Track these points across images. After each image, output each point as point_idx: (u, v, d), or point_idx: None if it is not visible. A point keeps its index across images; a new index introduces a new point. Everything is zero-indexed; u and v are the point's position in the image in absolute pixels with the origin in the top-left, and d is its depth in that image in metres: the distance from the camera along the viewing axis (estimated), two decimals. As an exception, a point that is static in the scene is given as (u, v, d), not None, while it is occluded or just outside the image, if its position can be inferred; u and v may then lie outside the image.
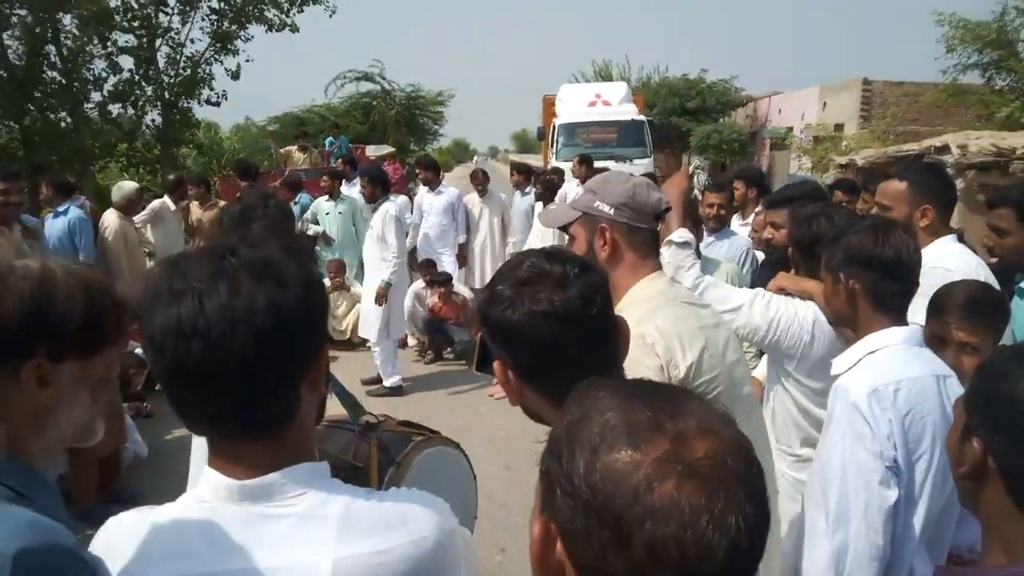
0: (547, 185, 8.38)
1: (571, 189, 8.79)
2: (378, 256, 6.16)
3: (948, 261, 2.47)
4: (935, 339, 2.00)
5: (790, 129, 22.21)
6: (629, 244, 1.81)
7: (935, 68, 31.20)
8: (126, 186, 7.06)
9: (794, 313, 2.32)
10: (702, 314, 1.82)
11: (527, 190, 8.61)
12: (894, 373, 1.72)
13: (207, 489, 0.96)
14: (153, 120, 16.32)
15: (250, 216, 2.06)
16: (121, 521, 1.00)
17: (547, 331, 1.14)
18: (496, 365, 1.23)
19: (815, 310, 2.32)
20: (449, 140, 36.67)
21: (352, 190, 8.18)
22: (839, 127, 19.61)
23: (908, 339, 1.81)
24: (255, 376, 0.90)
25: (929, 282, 2.05)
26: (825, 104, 21.35)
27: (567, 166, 11.88)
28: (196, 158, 20.78)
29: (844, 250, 1.85)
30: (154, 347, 0.91)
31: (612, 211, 1.79)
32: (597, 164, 9.16)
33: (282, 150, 13.53)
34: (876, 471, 1.67)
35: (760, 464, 0.69)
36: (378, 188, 6.11)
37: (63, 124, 14.84)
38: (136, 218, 6.94)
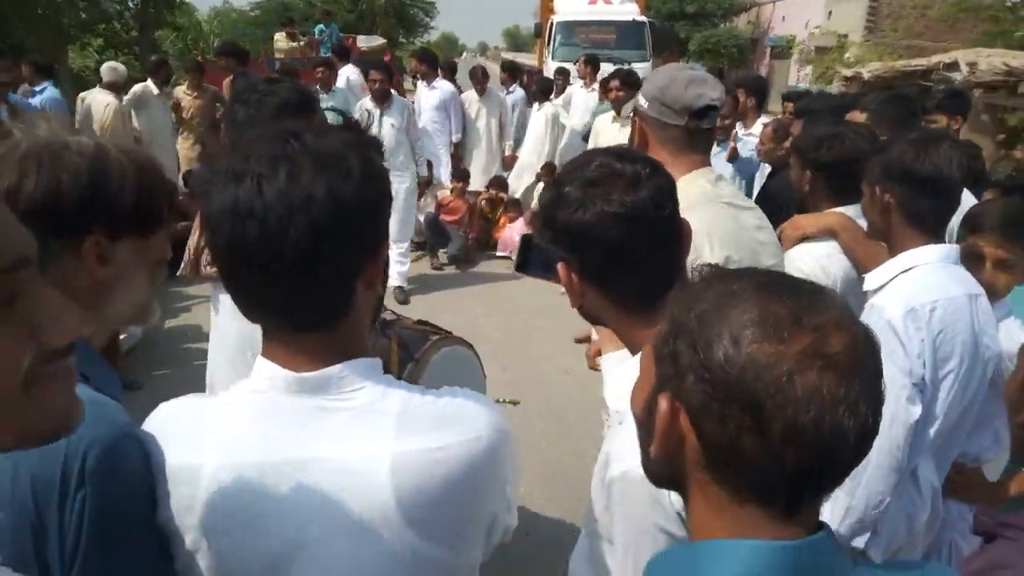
0: (542, 85, 8.21)
1: (576, 91, 8.56)
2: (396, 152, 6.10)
3: None
4: (969, 256, 1.99)
5: (793, 38, 21.60)
6: (659, 140, 1.79)
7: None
8: (120, 67, 6.80)
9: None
10: (742, 216, 1.80)
11: (511, 88, 8.47)
12: (931, 293, 1.71)
13: (262, 379, 0.94)
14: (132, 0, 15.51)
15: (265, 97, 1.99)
16: (174, 407, 0.99)
17: (618, 232, 1.12)
18: (560, 268, 1.21)
19: (825, 254, 2.18)
20: (438, 34, 35.26)
21: (341, 81, 7.92)
22: (843, 37, 19.08)
23: (944, 257, 1.78)
24: (310, 267, 0.87)
25: None
26: (831, 13, 20.69)
27: (568, 66, 11.56)
28: (174, 41, 19.90)
29: (882, 162, 1.81)
30: (211, 226, 0.88)
31: (646, 104, 1.78)
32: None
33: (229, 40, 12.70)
34: (904, 388, 1.68)
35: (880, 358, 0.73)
36: (389, 84, 6.14)
37: (39, 2, 14.07)
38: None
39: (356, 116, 6.77)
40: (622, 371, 1.23)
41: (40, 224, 0.88)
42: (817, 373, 0.67)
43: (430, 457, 0.92)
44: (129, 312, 1.05)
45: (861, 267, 2.13)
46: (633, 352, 1.21)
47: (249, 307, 0.94)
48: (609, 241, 1.12)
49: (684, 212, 1.67)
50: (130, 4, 15.58)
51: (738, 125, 4.82)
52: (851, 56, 16.92)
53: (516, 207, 7.74)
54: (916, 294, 1.72)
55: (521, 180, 7.88)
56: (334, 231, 0.87)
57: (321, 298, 0.91)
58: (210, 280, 2.26)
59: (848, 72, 10.84)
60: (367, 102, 6.29)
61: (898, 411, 1.69)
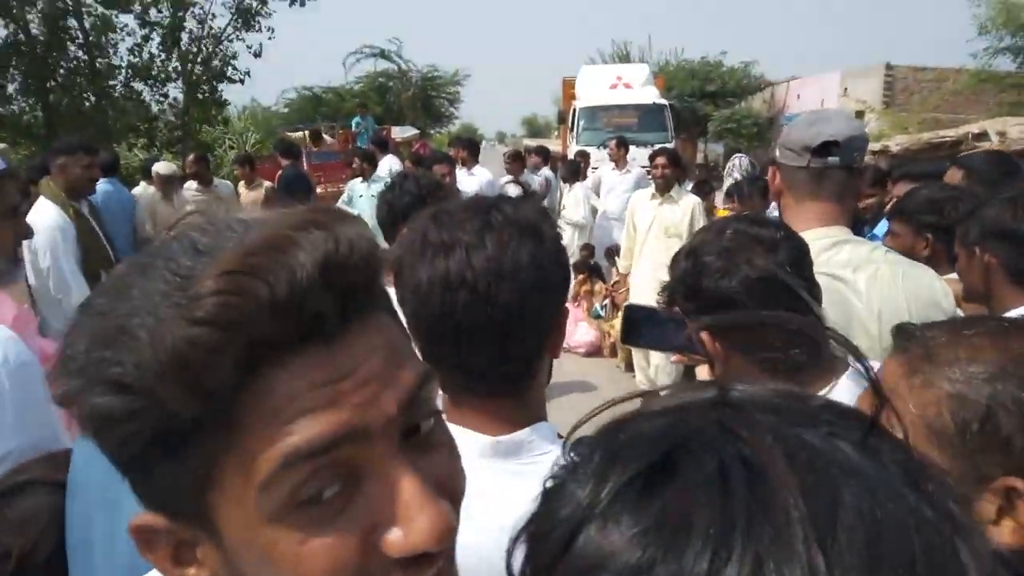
0: (572, 168, 8.50)
1: (606, 172, 8.78)
2: None
3: None
4: None
5: (809, 114, 22.05)
6: (787, 185, 1.75)
7: (959, 53, 30.89)
8: (170, 165, 7.10)
9: None
10: (842, 288, 1.73)
11: (539, 172, 8.80)
12: None
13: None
14: (176, 99, 16.28)
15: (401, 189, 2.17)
16: None
17: (763, 297, 1.15)
18: (704, 336, 1.23)
19: None
20: (459, 124, 36.57)
21: (383, 170, 8.19)
22: (860, 114, 19.46)
23: None
24: (514, 330, 0.92)
25: None
26: (846, 89, 21.17)
27: (588, 150, 11.87)
28: (216, 139, 20.75)
29: (980, 224, 1.82)
30: (418, 298, 0.93)
31: (778, 152, 1.78)
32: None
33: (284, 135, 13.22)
34: None
35: None
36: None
37: (87, 102, 14.82)
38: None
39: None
40: None
41: None
42: None
43: None
44: None
45: None
46: None
47: (451, 374, 0.97)
48: (755, 306, 1.15)
49: None
50: (174, 104, 16.32)
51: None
52: (872, 130, 17.21)
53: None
54: None
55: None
56: (537, 294, 0.93)
57: (520, 360, 0.96)
58: None
59: (876, 146, 11.02)
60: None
61: None
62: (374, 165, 8.20)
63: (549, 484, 0.41)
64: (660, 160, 5.81)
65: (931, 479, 0.36)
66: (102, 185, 6.51)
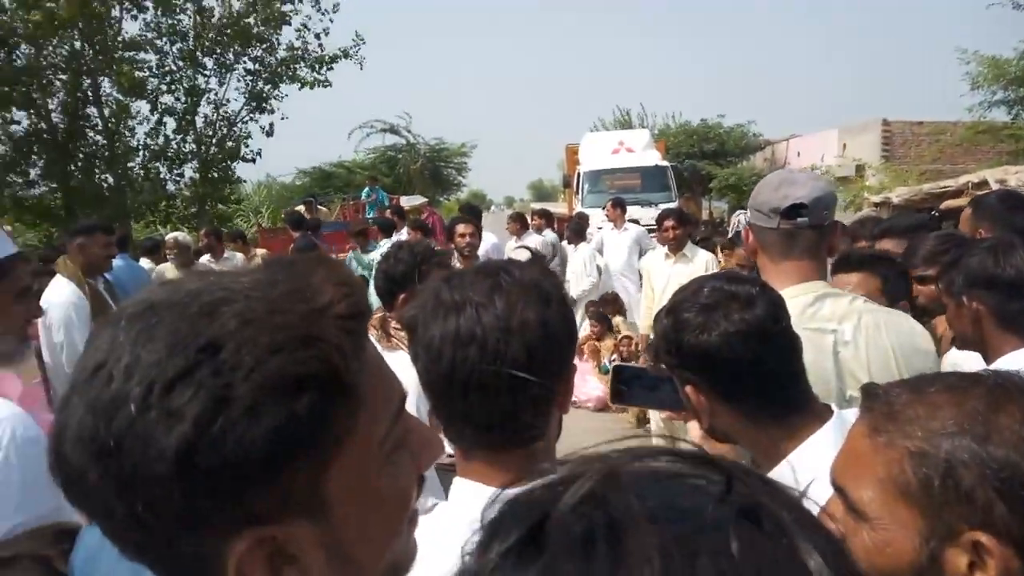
0: (576, 228, 8.71)
1: (607, 234, 8.96)
2: None
3: None
4: None
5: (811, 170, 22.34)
6: (760, 246, 1.79)
7: (954, 106, 31.38)
8: (185, 237, 7.31)
9: None
10: (825, 341, 1.72)
11: (543, 232, 9.06)
12: None
13: (469, 500, 1.01)
14: (192, 178, 16.75)
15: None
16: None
17: (744, 350, 1.18)
18: (689, 391, 1.27)
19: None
20: (467, 192, 37.49)
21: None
22: (860, 169, 19.69)
23: None
24: (523, 385, 0.98)
25: None
26: (845, 145, 21.49)
27: (595, 212, 12.09)
28: (230, 215, 21.26)
29: (965, 273, 1.86)
30: (430, 354, 0.99)
31: (749, 214, 1.83)
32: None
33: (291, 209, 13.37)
34: None
35: None
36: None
37: (105, 185, 15.27)
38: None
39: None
40: None
41: None
42: None
43: None
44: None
45: None
46: (767, 466, 1.24)
47: (462, 428, 1.03)
48: (735, 359, 1.19)
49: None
50: (188, 183, 16.80)
51: None
52: (872, 183, 17.39)
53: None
54: None
55: (570, 321, 8.11)
56: (543, 350, 0.99)
57: (529, 415, 1.01)
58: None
59: (877, 198, 11.15)
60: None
61: None
62: (390, 232, 8.44)
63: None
64: (668, 222, 5.90)
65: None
66: (116, 261, 6.71)
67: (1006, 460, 0.71)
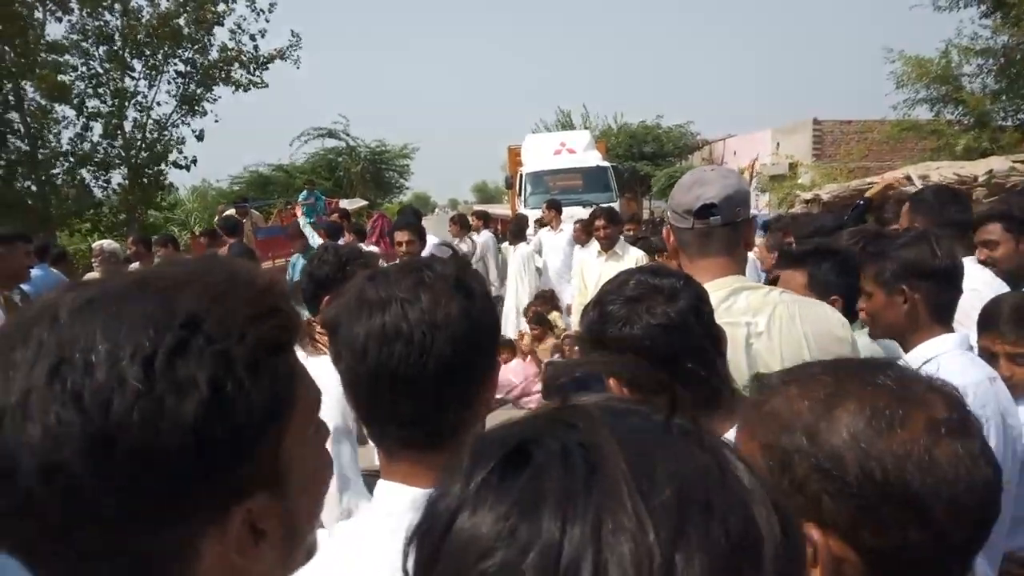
0: (515, 230, 8.79)
1: (543, 235, 8.97)
2: None
3: (973, 281, 2.63)
4: (985, 352, 2.08)
5: (746, 169, 22.92)
6: (680, 244, 1.84)
7: (882, 105, 32.64)
8: (108, 245, 7.02)
9: None
10: (737, 333, 1.72)
11: (480, 233, 9.19)
12: (956, 379, 1.67)
13: (392, 502, 0.98)
14: (120, 184, 16.17)
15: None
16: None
17: (666, 342, 1.18)
18: (611, 383, 1.26)
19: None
20: (410, 194, 37.28)
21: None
22: (792, 167, 20.31)
23: (961, 343, 1.84)
24: (449, 380, 0.96)
25: (963, 305, 2.19)
26: (778, 144, 22.14)
27: (537, 212, 12.15)
28: (162, 223, 20.61)
29: (902, 263, 1.89)
30: (355, 353, 0.96)
31: (668, 214, 1.88)
32: (567, 209, 9.43)
33: (224, 214, 12.77)
34: None
35: None
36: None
37: (26, 192, 14.63)
38: None
39: None
40: None
41: None
42: (947, 443, 0.69)
43: None
44: None
45: None
46: None
47: (386, 426, 1.00)
48: (657, 352, 1.19)
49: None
50: (117, 189, 16.22)
51: None
52: (804, 181, 17.94)
53: (508, 348, 7.85)
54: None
55: (508, 320, 8.09)
56: (469, 344, 0.97)
57: (455, 411, 0.99)
58: None
59: (808, 195, 11.48)
60: None
61: None
62: (337, 235, 8.31)
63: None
64: (599, 221, 6.02)
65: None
66: (35, 271, 6.42)
67: (831, 453, 0.71)
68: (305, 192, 14.61)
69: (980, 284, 2.61)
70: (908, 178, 8.78)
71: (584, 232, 7.63)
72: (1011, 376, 2.02)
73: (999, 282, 2.70)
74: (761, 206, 19.65)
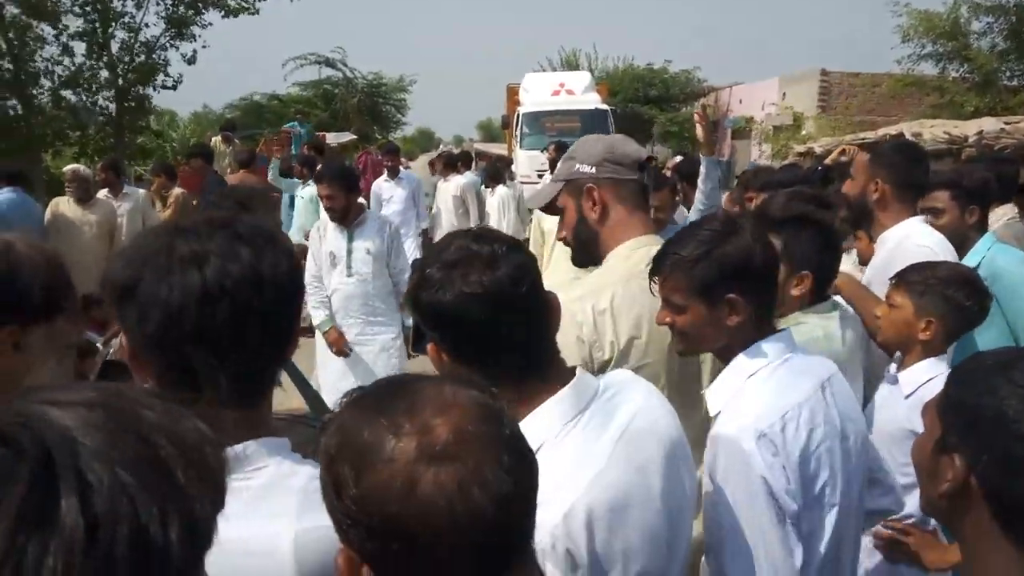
0: (492, 172, 8.71)
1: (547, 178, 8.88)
2: None
3: (926, 239, 2.57)
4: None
5: (751, 119, 22.49)
6: (617, 198, 1.82)
7: (891, 59, 31.91)
8: (69, 167, 6.91)
9: None
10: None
11: (465, 174, 8.95)
12: (777, 403, 1.45)
13: None
14: (106, 107, 15.86)
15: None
16: None
17: (478, 312, 1.13)
18: (430, 348, 1.23)
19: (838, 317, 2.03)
20: (414, 129, 36.82)
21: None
22: (797, 118, 19.91)
23: (782, 350, 1.53)
24: (272, 338, 0.97)
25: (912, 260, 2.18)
26: (784, 94, 21.65)
27: (532, 154, 11.95)
28: (154, 148, 20.32)
29: (719, 264, 1.50)
30: (168, 313, 0.91)
31: (594, 169, 1.82)
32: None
33: (211, 142, 12.47)
34: (777, 536, 1.38)
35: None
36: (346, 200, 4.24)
37: (11, 112, 14.36)
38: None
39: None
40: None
41: None
42: (433, 472, 0.70)
43: (334, 535, 0.92)
44: None
45: (866, 324, 2.21)
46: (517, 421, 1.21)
47: (180, 380, 0.95)
48: (471, 321, 1.14)
49: (597, 290, 1.70)
50: (104, 112, 15.92)
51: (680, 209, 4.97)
52: (806, 132, 17.63)
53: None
54: (762, 412, 1.43)
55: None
56: (290, 300, 1.00)
57: (270, 369, 1.01)
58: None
59: (801, 148, 11.30)
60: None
61: (780, 567, 1.37)
62: (313, 169, 8.18)
63: None
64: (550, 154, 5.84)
65: None
66: (6, 194, 6.34)
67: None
68: (295, 122, 14.40)
69: (932, 243, 2.57)
70: (901, 135, 8.60)
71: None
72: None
73: (950, 248, 2.63)
74: (755, 157, 19.40)
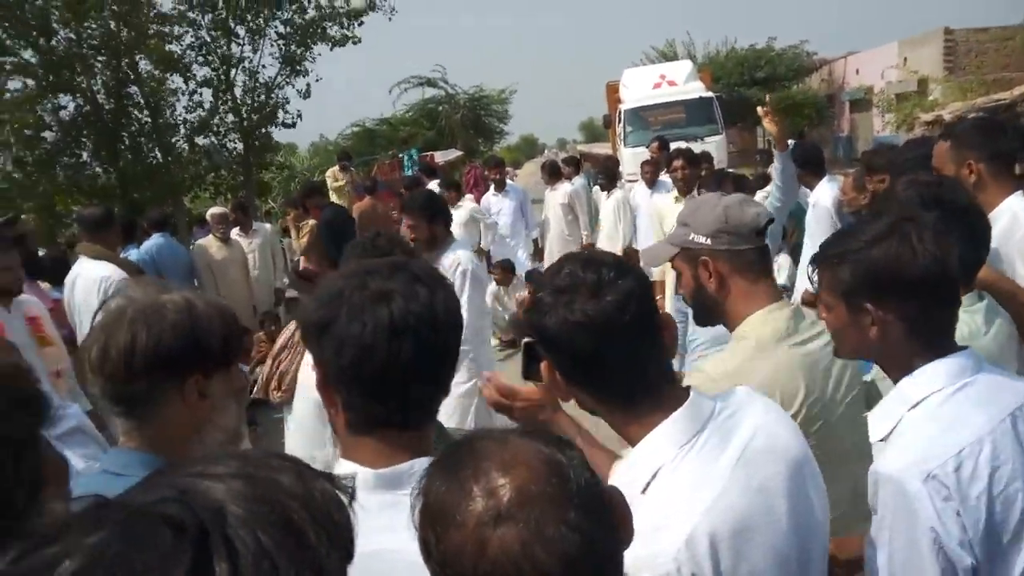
0: (607, 176, 8.28)
1: (639, 191, 7.83)
2: None
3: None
4: None
5: (871, 88, 21.21)
6: (735, 269, 1.71)
7: (1019, 10, 29.13)
8: (213, 210, 7.49)
9: None
10: (811, 355, 1.66)
11: (573, 180, 8.72)
12: (950, 439, 1.27)
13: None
14: (234, 149, 17.07)
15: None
16: None
17: (582, 341, 1.14)
18: (544, 366, 1.25)
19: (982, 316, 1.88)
20: (517, 137, 37.22)
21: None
22: (922, 83, 18.58)
23: (958, 373, 1.34)
24: (445, 369, 1.10)
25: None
26: (905, 59, 20.28)
27: (637, 152, 11.73)
28: (280, 181, 21.64)
29: (865, 271, 1.36)
30: (360, 347, 1.05)
31: (709, 241, 1.71)
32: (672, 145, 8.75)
33: (327, 174, 13.09)
34: None
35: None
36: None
37: (154, 161, 15.73)
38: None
39: None
40: (623, 471, 1.22)
41: (151, 374, 1.19)
42: (497, 534, 0.72)
43: None
44: (226, 436, 1.26)
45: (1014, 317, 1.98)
46: (632, 443, 1.21)
47: (368, 412, 1.09)
48: (574, 348, 1.15)
49: (753, 357, 1.61)
50: (234, 152, 17.13)
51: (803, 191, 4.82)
52: (933, 98, 16.44)
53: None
54: (931, 448, 1.27)
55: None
56: (456, 334, 1.12)
57: (438, 397, 1.14)
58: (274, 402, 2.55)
59: (928, 116, 10.53)
60: None
61: None
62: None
63: None
64: (677, 163, 5.71)
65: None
66: (156, 239, 6.94)
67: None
68: (401, 154, 14.94)
69: None
70: (1041, 93, 7.86)
71: (653, 171, 7.32)
72: None
73: None
74: (879, 129, 18.24)
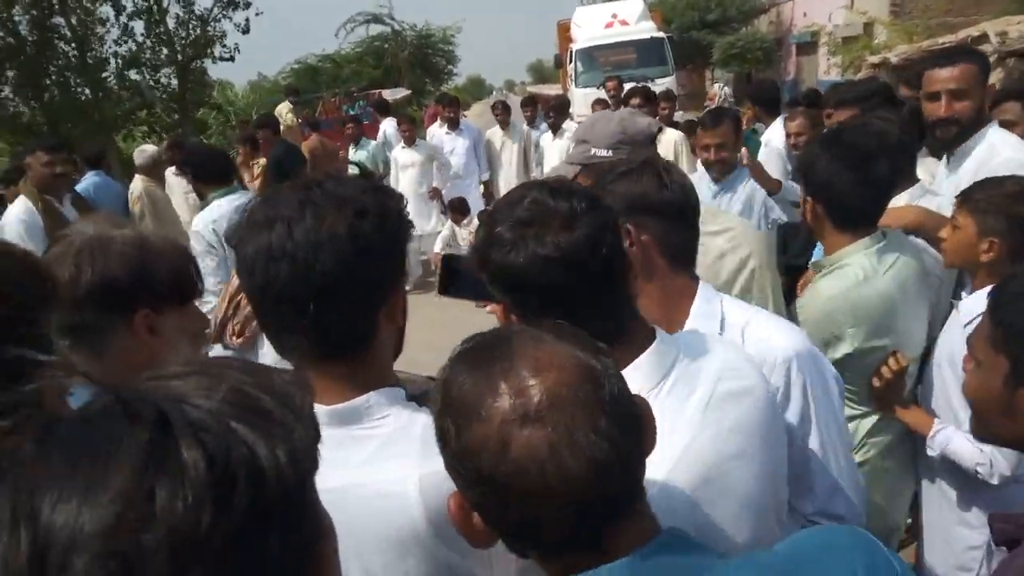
0: (559, 112, 7.95)
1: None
2: None
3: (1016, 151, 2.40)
4: None
5: (818, 31, 21.32)
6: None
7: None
8: (147, 149, 7.12)
9: None
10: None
11: (537, 123, 8.37)
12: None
13: None
14: (168, 83, 16.29)
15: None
16: None
17: (553, 277, 1.03)
18: (497, 308, 1.15)
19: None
20: (464, 78, 36.52)
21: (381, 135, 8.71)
22: (868, 26, 18.74)
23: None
24: (335, 297, 0.99)
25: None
26: (852, 2, 20.37)
27: (588, 92, 11.63)
28: (216, 118, 20.78)
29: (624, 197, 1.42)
30: (246, 270, 1.01)
31: (610, 152, 1.79)
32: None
33: (275, 111, 12.56)
34: None
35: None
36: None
37: (83, 97, 14.92)
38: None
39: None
40: None
41: (97, 305, 1.18)
42: (523, 434, 0.71)
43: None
44: None
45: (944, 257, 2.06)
46: None
47: (280, 341, 1.05)
48: (546, 285, 1.03)
49: None
50: (167, 90, 16.35)
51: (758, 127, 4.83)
52: (879, 42, 16.63)
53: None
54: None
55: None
56: (355, 263, 0.99)
57: (344, 326, 1.02)
58: (233, 349, 2.44)
59: (875, 59, 10.65)
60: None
61: None
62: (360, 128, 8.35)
63: None
64: (635, 100, 5.66)
65: None
66: (91, 178, 6.61)
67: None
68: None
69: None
70: (984, 36, 8.03)
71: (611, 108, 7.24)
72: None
73: None
74: (824, 72, 18.45)
